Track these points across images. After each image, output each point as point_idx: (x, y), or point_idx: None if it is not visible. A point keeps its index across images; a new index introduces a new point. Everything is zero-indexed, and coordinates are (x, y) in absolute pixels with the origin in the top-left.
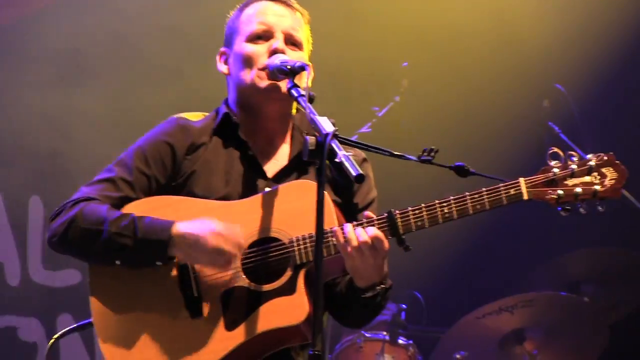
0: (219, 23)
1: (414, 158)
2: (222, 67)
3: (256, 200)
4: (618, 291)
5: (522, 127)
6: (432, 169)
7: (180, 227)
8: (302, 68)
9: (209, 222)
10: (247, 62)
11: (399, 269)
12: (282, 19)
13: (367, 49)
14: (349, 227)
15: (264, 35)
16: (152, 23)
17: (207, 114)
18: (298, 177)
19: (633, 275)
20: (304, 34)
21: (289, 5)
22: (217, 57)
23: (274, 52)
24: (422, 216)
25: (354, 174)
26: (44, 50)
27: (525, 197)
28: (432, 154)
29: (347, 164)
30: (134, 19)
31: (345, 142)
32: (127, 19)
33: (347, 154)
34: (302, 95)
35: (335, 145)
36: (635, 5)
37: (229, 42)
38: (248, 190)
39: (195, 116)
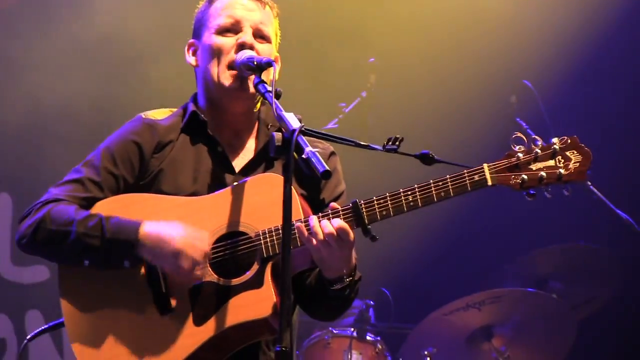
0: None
1: (379, 148)
2: (190, 59)
3: (223, 194)
4: (586, 288)
5: (489, 122)
6: (401, 161)
7: (148, 227)
8: (269, 64)
9: (176, 226)
10: (215, 54)
11: (366, 266)
12: (251, 13)
13: (334, 44)
14: (313, 219)
15: (232, 29)
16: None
17: (174, 109)
18: (265, 171)
19: (601, 271)
20: (272, 28)
21: None
22: (186, 49)
23: (241, 45)
24: (387, 205)
25: (320, 170)
26: (14, 44)
27: (489, 182)
28: (397, 143)
29: (313, 160)
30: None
31: (311, 134)
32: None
33: (313, 150)
34: (269, 92)
35: (301, 141)
36: (602, 4)
37: (197, 34)
38: (216, 185)
39: (161, 113)
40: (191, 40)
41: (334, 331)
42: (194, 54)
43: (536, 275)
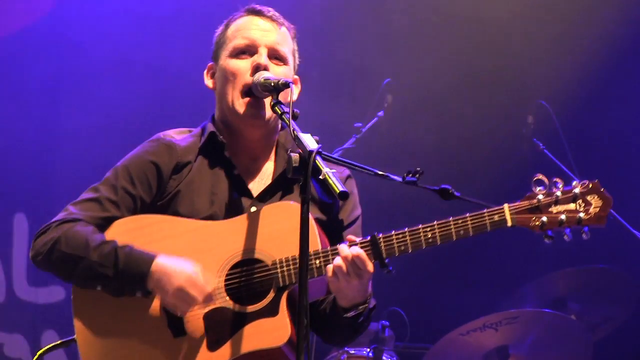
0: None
1: (399, 179)
2: (208, 82)
3: (240, 220)
4: (604, 309)
5: (507, 143)
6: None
7: (160, 263)
8: (286, 85)
9: (186, 266)
10: (230, 78)
11: (382, 285)
12: (267, 34)
13: (351, 65)
14: (334, 251)
15: (247, 50)
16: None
17: (192, 129)
18: (283, 196)
19: (619, 293)
20: (289, 49)
21: (274, 20)
22: (205, 72)
23: (256, 67)
24: (406, 241)
25: (338, 190)
26: (28, 66)
27: (509, 223)
28: (417, 175)
29: (331, 181)
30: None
31: (329, 160)
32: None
33: (331, 170)
34: (286, 112)
35: (319, 161)
36: (618, 23)
37: (215, 57)
38: (233, 210)
39: (180, 133)
40: (210, 63)
41: (350, 351)
42: (212, 76)
43: (554, 296)
